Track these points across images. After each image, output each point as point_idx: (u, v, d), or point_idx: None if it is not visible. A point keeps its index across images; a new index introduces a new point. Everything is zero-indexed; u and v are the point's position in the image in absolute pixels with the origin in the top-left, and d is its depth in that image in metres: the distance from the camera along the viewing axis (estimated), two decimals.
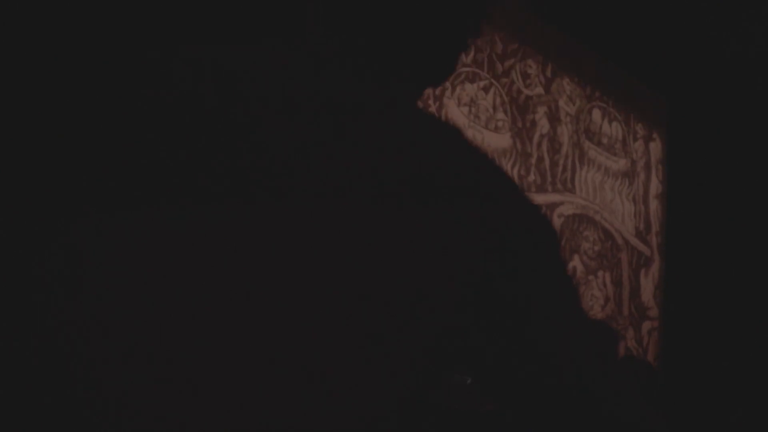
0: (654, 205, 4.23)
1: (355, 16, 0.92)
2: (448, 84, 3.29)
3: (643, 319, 4.01)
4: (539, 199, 3.50)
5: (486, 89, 3.49)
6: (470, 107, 3.40)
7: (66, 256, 0.86)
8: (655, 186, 4.26)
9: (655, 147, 4.30)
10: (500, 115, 3.53)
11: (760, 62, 4.47)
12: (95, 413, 0.83)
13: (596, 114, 3.99)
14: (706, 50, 4.43)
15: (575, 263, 3.64)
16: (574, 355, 0.96)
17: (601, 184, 3.94)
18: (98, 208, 0.87)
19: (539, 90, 3.75)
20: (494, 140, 3.45)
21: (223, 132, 0.90)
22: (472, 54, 3.44)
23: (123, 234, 0.87)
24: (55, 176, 0.86)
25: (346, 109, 0.91)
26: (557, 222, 3.57)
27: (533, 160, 3.64)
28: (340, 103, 0.91)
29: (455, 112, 3.31)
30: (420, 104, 1.04)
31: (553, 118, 3.78)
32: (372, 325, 0.87)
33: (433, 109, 3.20)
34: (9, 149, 0.85)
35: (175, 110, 0.89)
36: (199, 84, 0.90)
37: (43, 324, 0.85)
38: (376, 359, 0.88)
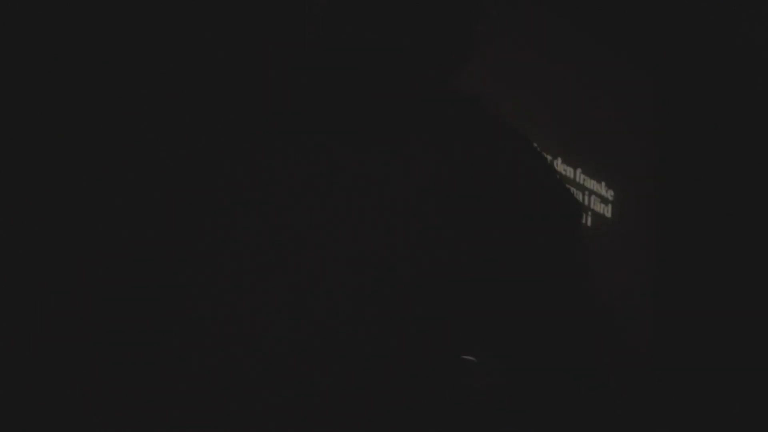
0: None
1: (356, 16, 0.92)
2: None
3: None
4: None
5: None
6: None
7: (64, 255, 0.86)
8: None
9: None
10: None
11: (758, 56, 4.49)
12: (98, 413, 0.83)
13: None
14: (701, 42, 4.44)
15: None
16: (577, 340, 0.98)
17: None
18: (98, 208, 0.87)
19: None
20: None
21: (223, 131, 0.90)
22: None
23: (121, 233, 0.88)
24: (55, 176, 0.86)
25: (349, 108, 0.92)
26: None
27: None
28: (343, 104, 0.91)
29: None
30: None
31: None
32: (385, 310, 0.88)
33: None
34: (9, 149, 0.85)
35: (175, 110, 0.89)
36: (200, 83, 0.90)
37: (42, 324, 0.85)
38: (389, 347, 0.88)
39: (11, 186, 0.87)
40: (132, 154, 0.89)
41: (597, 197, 3.87)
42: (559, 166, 3.73)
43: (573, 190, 3.77)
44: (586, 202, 3.81)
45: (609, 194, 3.94)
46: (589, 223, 3.80)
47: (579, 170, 3.81)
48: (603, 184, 3.92)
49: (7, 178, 0.87)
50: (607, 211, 3.90)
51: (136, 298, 0.86)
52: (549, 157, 3.69)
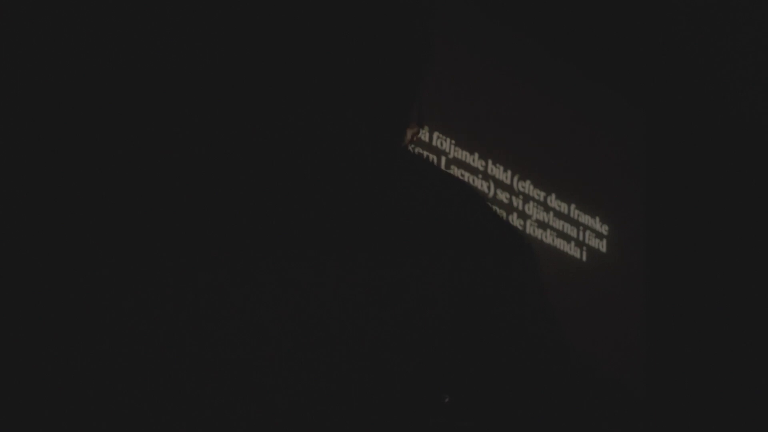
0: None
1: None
2: None
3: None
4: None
5: None
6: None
7: (64, 255, 0.88)
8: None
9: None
10: None
11: (750, 94, 4.54)
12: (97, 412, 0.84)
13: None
14: (692, 78, 4.49)
15: None
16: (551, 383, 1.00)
17: None
18: (97, 208, 0.88)
19: None
20: None
21: (220, 135, 0.92)
22: None
23: (121, 234, 0.89)
24: (55, 176, 0.87)
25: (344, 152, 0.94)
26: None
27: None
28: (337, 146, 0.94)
29: None
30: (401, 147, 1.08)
31: None
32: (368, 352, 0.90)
33: None
34: (9, 149, 0.87)
35: (172, 112, 0.91)
36: (196, 86, 0.92)
37: (44, 323, 0.86)
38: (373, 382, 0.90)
39: (11, 186, 0.88)
40: (129, 155, 0.90)
41: (592, 232, 3.89)
42: (554, 201, 3.75)
43: (566, 225, 3.79)
44: (581, 237, 3.83)
45: (604, 229, 3.96)
46: (584, 258, 3.82)
47: (573, 205, 3.83)
48: (597, 219, 3.94)
49: (7, 178, 0.89)
50: (602, 245, 3.92)
51: (137, 299, 0.88)
52: (543, 193, 3.73)
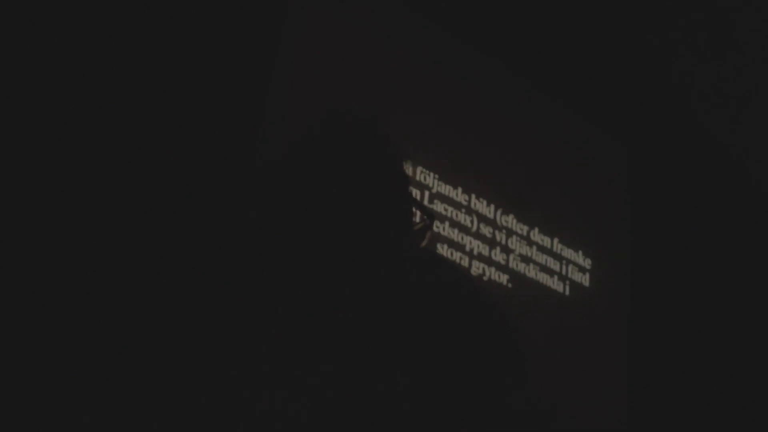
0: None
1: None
2: None
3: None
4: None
5: None
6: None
7: (63, 255, 0.88)
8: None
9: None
10: None
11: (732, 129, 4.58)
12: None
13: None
14: (675, 113, 4.54)
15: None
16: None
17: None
18: (97, 208, 0.89)
19: None
20: None
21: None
22: None
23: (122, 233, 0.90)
24: (55, 176, 0.88)
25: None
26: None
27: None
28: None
29: None
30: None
31: None
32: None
33: None
34: (9, 149, 0.87)
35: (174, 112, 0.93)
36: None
37: (43, 323, 0.87)
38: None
39: (11, 186, 0.89)
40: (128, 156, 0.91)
41: (574, 266, 3.91)
42: (537, 235, 3.77)
43: (549, 259, 3.81)
44: (564, 272, 3.84)
45: (586, 263, 3.97)
46: (567, 292, 3.83)
47: (556, 239, 3.85)
48: (580, 252, 3.96)
49: (6, 178, 0.89)
50: (585, 280, 3.93)
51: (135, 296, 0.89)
52: (526, 227, 3.75)
